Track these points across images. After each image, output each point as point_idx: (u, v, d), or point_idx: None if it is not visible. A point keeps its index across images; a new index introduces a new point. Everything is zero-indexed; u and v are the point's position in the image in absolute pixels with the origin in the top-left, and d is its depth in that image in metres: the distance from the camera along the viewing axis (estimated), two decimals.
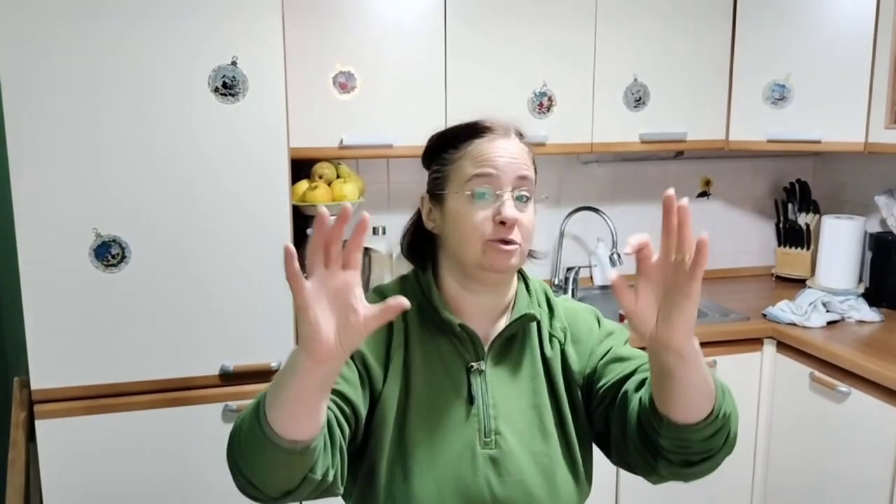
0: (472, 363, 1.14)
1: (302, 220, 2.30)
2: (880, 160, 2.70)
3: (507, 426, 1.12)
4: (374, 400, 1.11)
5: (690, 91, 2.56)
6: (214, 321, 1.94)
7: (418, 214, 1.21)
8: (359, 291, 0.85)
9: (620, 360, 1.17)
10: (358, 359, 1.10)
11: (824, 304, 2.42)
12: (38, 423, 1.86)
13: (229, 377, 1.97)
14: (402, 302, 0.83)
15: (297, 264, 0.81)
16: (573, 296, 2.72)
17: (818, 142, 2.48)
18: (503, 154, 1.13)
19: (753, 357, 2.39)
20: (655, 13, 2.47)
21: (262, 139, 1.91)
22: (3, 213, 1.91)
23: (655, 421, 1.02)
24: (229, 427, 2.07)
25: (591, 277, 2.84)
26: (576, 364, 1.19)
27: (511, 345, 1.17)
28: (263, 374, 1.98)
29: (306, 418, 0.89)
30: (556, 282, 2.79)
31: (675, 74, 2.53)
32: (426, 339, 1.15)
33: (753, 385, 2.40)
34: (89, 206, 1.83)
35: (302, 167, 2.36)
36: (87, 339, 1.87)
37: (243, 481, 0.97)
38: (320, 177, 2.36)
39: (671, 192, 0.94)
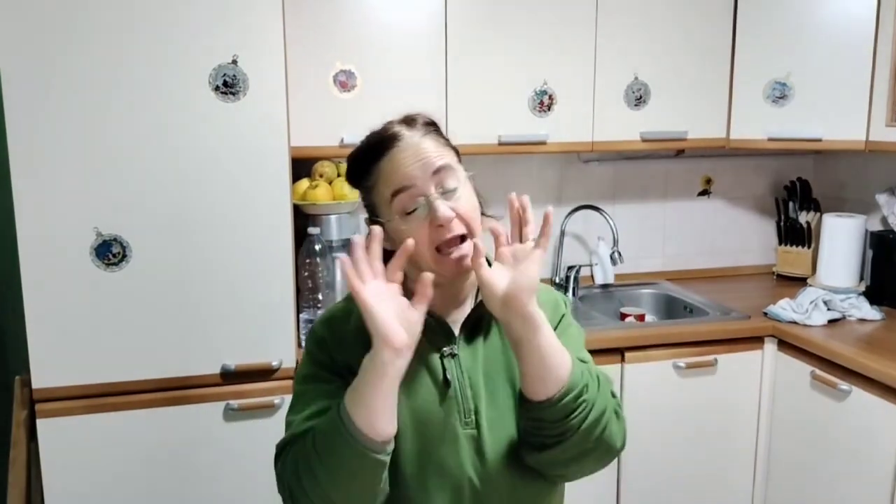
0: (445, 348, 1.16)
1: (303, 218, 2.30)
2: (881, 158, 2.70)
3: (485, 405, 1.15)
4: None
5: (691, 89, 2.56)
6: (215, 320, 1.94)
7: None
8: (397, 292, 1.00)
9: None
10: (342, 366, 1.13)
11: (825, 303, 2.42)
12: (39, 422, 1.86)
13: (230, 376, 1.97)
14: (427, 276, 1.00)
15: (356, 278, 0.97)
16: (574, 295, 2.72)
17: (819, 140, 2.48)
18: (409, 160, 1.12)
19: (754, 356, 2.39)
20: (656, 11, 2.47)
21: (263, 138, 1.91)
22: (4, 211, 1.91)
23: (518, 401, 1.12)
24: (230, 426, 2.08)
25: (592, 276, 2.84)
26: None
27: (480, 325, 1.20)
28: (264, 373, 1.98)
29: (390, 414, 1.00)
30: (557, 280, 2.79)
31: (675, 73, 2.53)
32: None
33: (754, 384, 2.40)
34: (90, 205, 1.83)
35: (303, 166, 2.36)
36: (89, 337, 1.87)
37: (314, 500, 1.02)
38: (321, 175, 2.36)
39: (511, 196, 1.15)
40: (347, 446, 0.97)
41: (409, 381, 1.13)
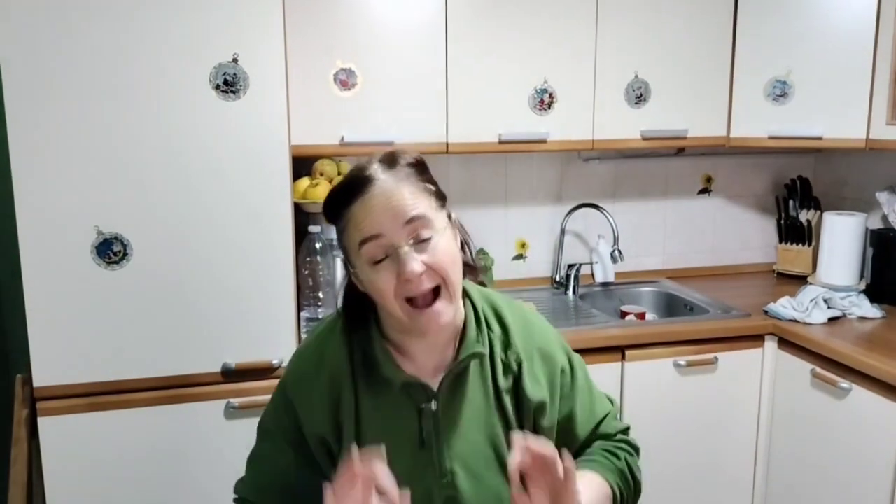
0: (423, 405, 1.12)
1: (303, 217, 2.30)
2: (882, 156, 2.70)
3: (462, 465, 1.12)
4: (334, 461, 1.13)
5: (691, 88, 2.56)
6: (216, 318, 1.95)
7: (350, 276, 1.16)
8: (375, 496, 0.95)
9: (570, 431, 1.21)
10: (300, 439, 1.14)
11: (825, 301, 2.42)
12: (40, 421, 1.87)
13: (231, 374, 1.97)
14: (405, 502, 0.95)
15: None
16: (574, 293, 2.72)
17: (819, 138, 2.48)
18: (380, 210, 1.04)
19: (755, 354, 2.39)
20: (656, 9, 2.47)
21: (264, 136, 1.91)
22: (5, 210, 1.91)
23: None
24: (231, 424, 2.08)
25: (593, 275, 2.84)
26: (533, 394, 1.17)
27: (461, 379, 1.15)
28: (265, 372, 1.98)
29: None
30: (558, 279, 2.79)
31: (676, 71, 2.53)
32: (376, 388, 1.14)
33: (755, 382, 2.40)
34: (91, 204, 1.84)
35: (303, 164, 2.36)
36: (89, 336, 1.88)
37: None
38: (321, 174, 2.36)
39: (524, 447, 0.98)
40: None
41: (385, 440, 1.08)
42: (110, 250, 1.86)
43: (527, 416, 1.16)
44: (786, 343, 2.34)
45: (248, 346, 1.98)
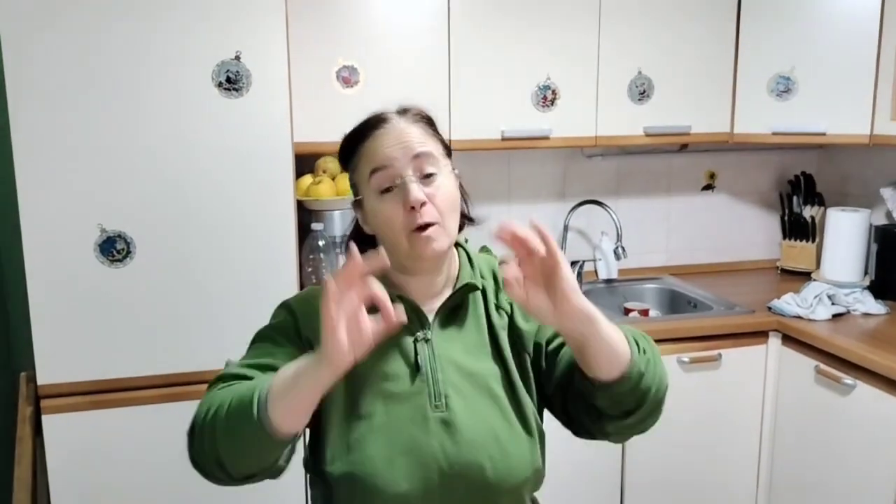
0: (418, 332, 1.17)
1: (306, 214, 2.30)
2: (886, 152, 2.69)
3: (455, 390, 1.15)
4: None
5: (695, 84, 2.55)
6: (220, 315, 1.95)
7: (357, 221, 1.23)
8: (363, 311, 0.93)
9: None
10: (305, 342, 1.15)
11: (829, 297, 2.41)
12: (44, 418, 1.87)
13: None
14: (400, 317, 0.92)
15: (333, 297, 0.91)
16: None
17: (823, 134, 2.48)
18: (391, 142, 1.14)
19: (758, 350, 2.39)
20: (660, 6, 2.46)
21: (266, 134, 1.91)
22: (9, 208, 1.91)
23: (587, 388, 1.08)
24: None
25: (596, 271, 2.83)
26: (527, 334, 1.21)
27: (456, 314, 1.21)
28: None
29: (304, 416, 0.99)
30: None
31: (679, 67, 2.53)
32: (375, 315, 1.16)
33: (759, 378, 2.40)
34: (94, 202, 1.84)
35: (306, 162, 2.36)
36: (93, 334, 1.88)
37: (211, 463, 1.05)
38: (324, 171, 2.36)
39: (499, 228, 0.99)
40: (253, 424, 0.96)
41: (379, 362, 1.14)
42: (114, 248, 1.87)
43: (521, 353, 1.21)
44: (790, 339, 2.33)
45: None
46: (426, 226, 1.11)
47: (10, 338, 2.43)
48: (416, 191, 1.10)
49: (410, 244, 1.12)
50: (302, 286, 2.15)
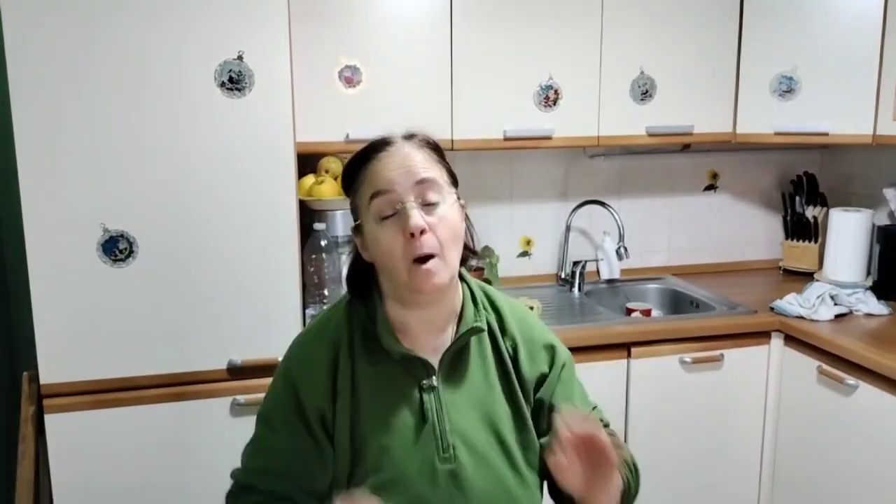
0: (424, 381, 1.14)
1: (308, 214, 2.30)
2: (888, 152, 2.69)
3: (463, 440, 1.13)
4: (330, 439, 1.13)
5: (697, 84, 2.55)
6: (222, 315, 1.95)
7: (356, 248, 1.20)
8: None
9: (569, 404, 1.21)
10: (310, 411, 1.13)
11: (832, 298, 2.41)
12: (47, 418, 1.87)
13: (237, 371, 1.97)
14: None
15: None
16: (580, 290, 2.72)
17: (826, 134, 2.47)
18: (394, 165, 1.10)
19: (761, 350, 2.39)
20: (662, 5, 2.46)
21: (269, 134, 1.91)
22: (12, 207, 1.92)
23: None
24: (237, 421, 2.09)
25: (598, 271, 2.83)
26: (528, 383, 1.20)
27: (461, 357, 1.17)
28: (271, 369, 1.97)
29: None
30: (563, 276, 2.79)
31: (681, 67, 2.52)
32: (375, 364, 1.15)
33: (761, 378, 2.40)
34: (97, 201, 1.84)
35: (308, 162, 2.37)
36: (96, 333, 1.88)
37: None
38: (326, 171, 2.36)
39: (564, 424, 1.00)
40: None
41: (385, 413, 1.12)
42: (116, 248, 1.87)
43: (528, 393, 1.19)
44: (792, 340, 2.33)
45: (253, 343, 1.98)
46: (426, 258, 1.07)
47: (13, 337, 2.43)
48: (417, 217, 1.07)
49: (409, 276, 1.08)
50: (304, 286, 2.15)
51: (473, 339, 1.18)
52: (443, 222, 1.09)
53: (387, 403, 1.13)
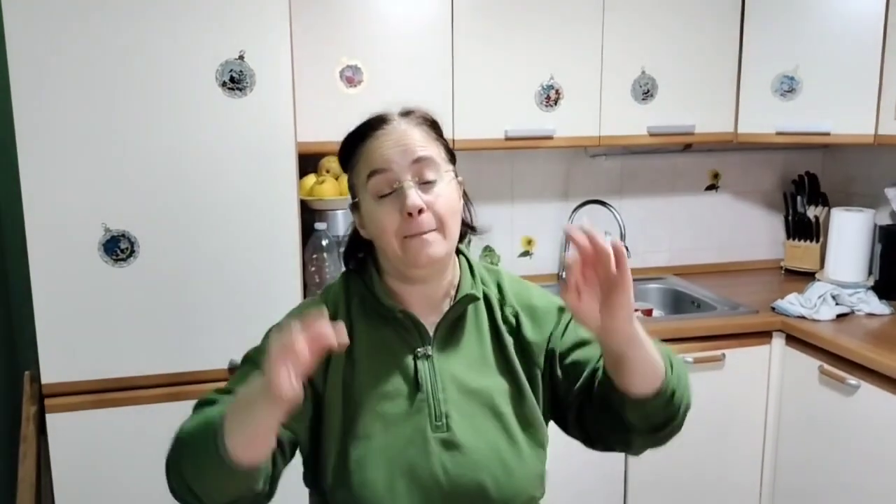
0: (419, 349, 1.14)
1: (309, 214, 2.30)
2: (890, 152, 2.69)
3: (456, 409, 1.12)
4: (318, 398, 1.12)
5: (699, 83, 2.55)
6: (223, 316, 1.95)
7: (354, 225, 1.20)
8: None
9: (583, 343, 1.18)
10: None
11: (833, 297, 2.41)
12: (48, 417, 1.88)
13: None
14: (342, 339, 0.88)
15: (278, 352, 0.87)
16: None
17: (827, 134, 2.47)
18: (391, 144, 1.10)
19: (762, 350, 2.38)
20: (663, 5, 2.46)
21: (270, 134, 1.91)
22: (13, 207, 1.92)
23: (618, 400, 1.06)
24: None
25: None
26: (536, 346, 1.18)
27: (457, 328, 1.17)
28: None
29: (263, 447, 0.96)
30: (564, 276, 2.78)
31: (683, 66, 2.52)
32: (371, 329, 1.15)
33: (762, 378, 2.40)
34: (98, 201, 1.84)
35: (309, 162, 2.37)
36: (97, 333, 1.88)
37: (184, 490, 1.03)
38: (327, 171, 2.36)
39: (571, 229, 0.94)
40: (220, 464, 0.95)
41: (378, 380, 1.11)
42: (117, 248, 1.87)
43: (532, 363, 1.18)
44: (793, 340, 2.33)
45: (254, 343, 1.97)
46: (422, 234, 1.08)
47: (15, 336, 2.43)
48: (414, 197, 1.07)
49: (404, 251, 1.09)
50: (305, 285, 2.16)
51: (470, 311, 1.18)
52: (440, 200, 1.09)
53: (381, 369, 1.12)
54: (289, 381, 0.87)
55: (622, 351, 0.99)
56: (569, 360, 1.18)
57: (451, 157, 1.17)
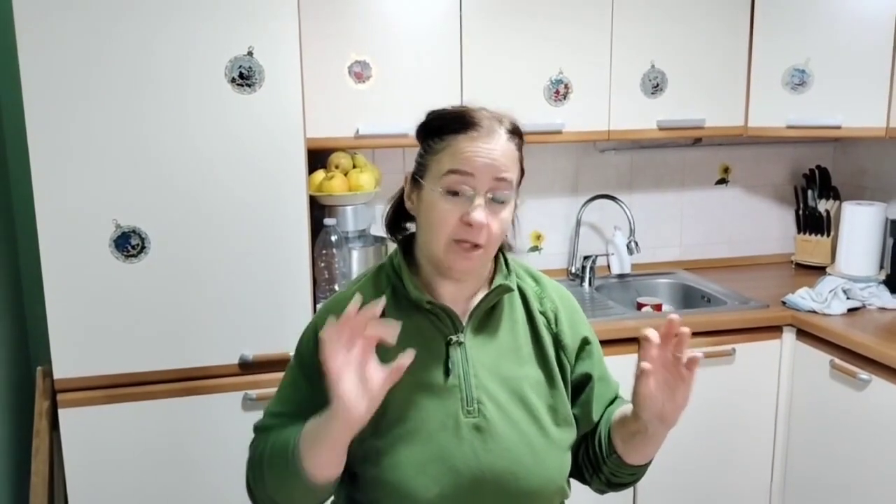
0: (451, 336, 1.16)
1: (318, 210, 2.31)
2: None
3: (488, 396, 1.15)
4: None
5: (709, 77, 2.54)
6: (233, 311, 1.96)
7: (402, 191, 1.22)
8: (374, 360, 0.99)
9: (602, 381, 1.27)
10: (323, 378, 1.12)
11: (845, 292, 2.40)
12: (60, 412, 1.89)
13: (249, 366, 1.98)
14: (405, 362, 0.98)
15: (332, 352, 0.97)
16: (590, 285, 2.71)
17: (838, 127, 2.46)
18: (483, 154, 1.11)
19: (773, 345, 2.38)
20: None
21: (279, 129, 1.92)
22: (25, 204, 1.93)
23: (607, 453, 1.20)
24: (248, 416, 2.10)
25: (609, 266, 2.82)
26: (568, 339, 1.24)
27: (491, 317, 1.20)
28: (282, 363, 1.98)
29: (337, 464, 1.05)
30: (574, 271, 2.78)
31: (692, 60, 2.51)
32: (404, 317, 1.15)
33: (773, 373, 2.39)
34: (109, 198, 1.85)
35: (318, 157, 2.37)
36: (108, 328, 1.89)
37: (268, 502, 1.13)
38: (336, 167, 2.37)
39: (674, 318, 1.10)
40: (294, 476, 1.04)
41: (412, 367, 1.11)
42: (128, 244, 1.88)
43: (563, 360, 1.23)
44: (804, 334, 2.32)
45: (264, 339, 1.99)
46: (472, 246, 1.11)
47: (27, 333, 2.45)
48: (481, 213, 1.09)
49: (446, 252, 1.11)
50: (315, 281, 2.16)
51: (505, 302, 1.21)
52: (499, 222, 1.12)
53: (415, 355, 1.13)
54: (356, 394, 0.96)
55: (651, 430, 1.13)
56: (573, 385, 1.25)
57: (521, 179, 1.20)
